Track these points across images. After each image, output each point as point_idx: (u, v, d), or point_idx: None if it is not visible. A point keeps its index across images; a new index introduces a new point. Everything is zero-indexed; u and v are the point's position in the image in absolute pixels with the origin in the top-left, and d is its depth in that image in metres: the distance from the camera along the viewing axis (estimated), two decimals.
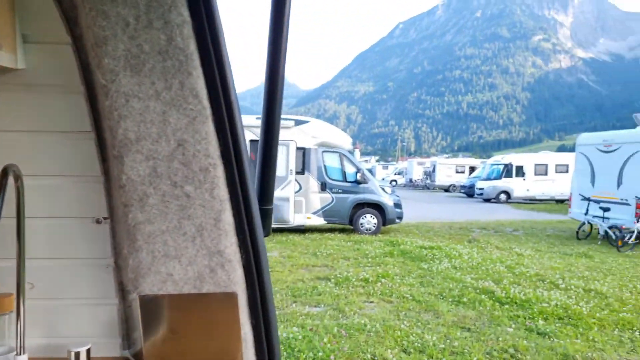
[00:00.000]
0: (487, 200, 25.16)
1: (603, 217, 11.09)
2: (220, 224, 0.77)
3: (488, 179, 25.83)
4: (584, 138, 13.30)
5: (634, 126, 12.18)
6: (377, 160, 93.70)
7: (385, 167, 52.91)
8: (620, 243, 10.07)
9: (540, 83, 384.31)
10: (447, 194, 33.53)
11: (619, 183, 11.38)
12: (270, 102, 0.88)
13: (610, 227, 10.59)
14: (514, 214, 18.55)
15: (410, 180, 42.30)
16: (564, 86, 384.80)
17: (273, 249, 9.01)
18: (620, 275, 7.41)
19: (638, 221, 10.34)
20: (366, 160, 71.88)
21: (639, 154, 10.93)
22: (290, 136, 10.55)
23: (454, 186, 34.66)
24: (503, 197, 24.80)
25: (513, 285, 6.38)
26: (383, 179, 45.71)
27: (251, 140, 10.62)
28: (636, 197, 10.55)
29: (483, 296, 5.83)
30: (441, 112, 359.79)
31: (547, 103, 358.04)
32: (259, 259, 0.81)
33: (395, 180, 44.14)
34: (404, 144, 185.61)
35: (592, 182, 12.30)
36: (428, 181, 38.37)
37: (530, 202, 24.64)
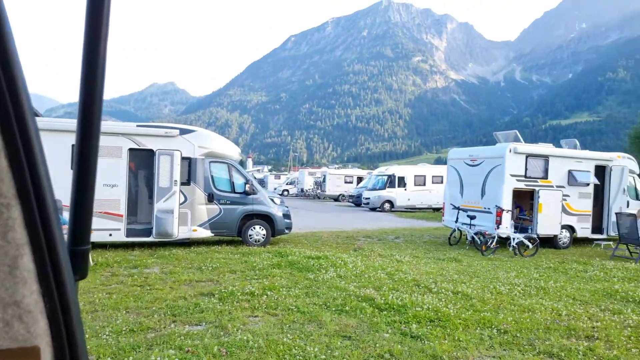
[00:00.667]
0: (373, 209, 26.52)
1: (470, 224, 12.27)
2: (17, 272, 0.66)
3: (374, 189, 27.27)
4: (454, 152, 14.67)
5: (495, 143, 13.74)
6: (270, 170, 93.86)
7: (278, 177, 53.19)
8: (484, 248, 11.22)
9: (420, 100, 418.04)
10: (336, 203, 34.69)
11: (483, 193, 12.70)
12: (87, 116, 0.73)
13: (476, 234, 11.75)
14: (397, 222, 19.77)
15: (302, 190, 43.02)
16: (440, 104, 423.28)
17: (154, 265, 8.47)
18: (483, 277, 8.23)
19: (498, 227, 11.63)
20: (258, 170, 71.61)
21: (498, 167, 12.32)
22: (175, 145, 10.07)
23: (343, 196, 36.01)
24: (387, 206, 26.34)
25: (392, 292, 6.72)
26: (275, 189, 45.87)
27: (130, 149, 9.93)
28: (496, 206, 11.87)
29: (364, 304, 6.05)
30: (332, 124, 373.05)
31: (425, 119, 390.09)
32: (67, 307, 0.69)
33: (287, 190, 44.53)
34: (296, 154, 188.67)
35: (461, 193, 13.58)
36: (319, 191, 39.35)
37: (411, 210, 26.51)
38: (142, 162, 10.57)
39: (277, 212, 11.33)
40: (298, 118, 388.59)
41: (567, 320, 5.67)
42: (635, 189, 14.55)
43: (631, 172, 14.28)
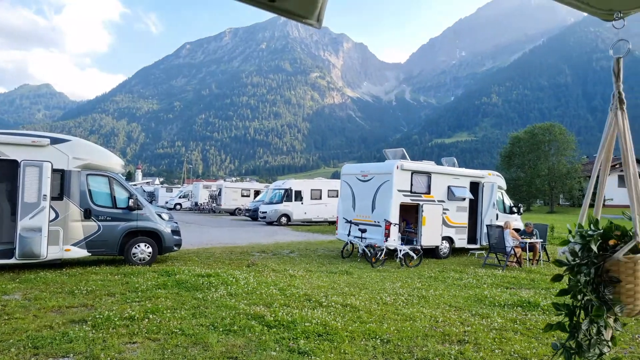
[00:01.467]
0: (270, 223, 26.40)
1: (361, 238, 12.73)
2: None
3: (271, 202, 27.19)
4: (347, 168, 15.20)
5: (385, 159, 14.48)
6: (162, 182, 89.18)
7: (170, 190, 50.68)
8: (374, 260, 11.69)
9: (318, 115, 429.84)
10: (232, 217, 33.97)
11: (373, 208, 13.28)
12: None
13: (366, 246, 12.21)
14: (293, 236, 19.86)
15: (196, 204, 41.47)
16: (337, 119, 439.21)
17: (14, 291, 7.46)
18: (371, 289, 8.53)
19: (387, 240, 12.21)
20: (148, 182, 67.67)
21: (387, 183, 12.98)
22: (45, 156, 9.05)
23: (240, 210, 35.41)
24: (284, 219, 26.40)
25: (283, 308, 6.66)
26: (167, 202, 43.66)
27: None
28: (385, 219, 12.48)
29: (253, 322, 5.90)
30: (229, 136, 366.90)
31: (323, 133, 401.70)
32: None
33: (179, 204, 42.64)
34: (191, 166, 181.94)
35: (353, 207, 14.07)
36: (214, 205, 38.26)
37: (308, 224, 26.87)
38: (3, 174, 9.28)
39: (164, 228, 10.70)
40: (193, 128, 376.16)
41: (442, 326, 6.07)
42: (503, 202, 16.26)
43: (499, 188, 15.93)
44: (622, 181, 65.91)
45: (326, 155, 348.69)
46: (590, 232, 1.88)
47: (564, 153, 55.57)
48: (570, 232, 1.99)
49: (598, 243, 1.86)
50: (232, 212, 36.07)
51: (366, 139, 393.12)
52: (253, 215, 29.45)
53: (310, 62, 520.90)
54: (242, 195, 36.64)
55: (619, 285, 1.82)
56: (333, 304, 7.05)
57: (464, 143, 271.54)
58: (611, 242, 1.88)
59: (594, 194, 2.14)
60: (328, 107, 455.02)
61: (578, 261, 1.88)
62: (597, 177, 2.00)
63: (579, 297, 1.90)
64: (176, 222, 11.46)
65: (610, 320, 1.89)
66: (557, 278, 2.00)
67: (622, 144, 1.89)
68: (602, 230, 1.89)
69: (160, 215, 10.94)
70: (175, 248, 11.02)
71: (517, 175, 57.13)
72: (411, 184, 13.12)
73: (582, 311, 1.91)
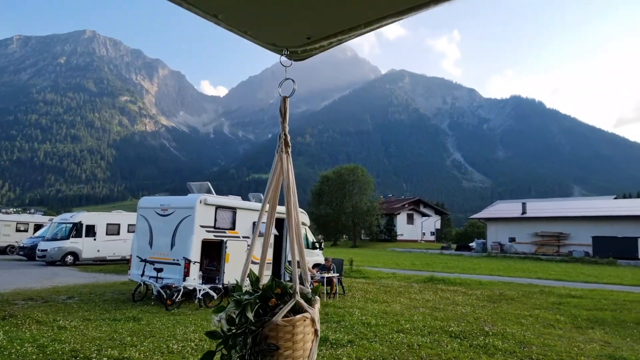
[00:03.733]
0: (52, 263, 22.57)
1: (157, 278, 11.63)
2: None
3: (54, 238, 23.34)
4: (144, 201, 13.96)
5: (188, 193, 13.74)
6: None
7: None
8: (169, 302, 10.72)
9: (127, 142, 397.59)
10: (2, 257, 28.10)
11: (172, 244, 12.33)
12: None
13: (162, 287, 11.17)
14: (78, 278, 17.23)
15: None
16: (149, 148, 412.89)
17: None
18: (159, 336, 7.68)
19: (185, 279, 11.39)
20: None
21: (188, 218, 12.26)
22: None
23: (13, 247, 29.55)
24: (70, 258, 22.89)
25: None
26: None
27: None
28: (184, 257, 11.67)
29: None
30: (10, 159, 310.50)
31: (132, 162, 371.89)
32: None
33: None
34: None
35: (150, 244, 12.87)
36: None
37: (101, 262, 23.80)
38: None
39: None
40: None
41: None
42: (307, 238, 17.00)
43: (303, 224, 16.63)
44: (410, 219, 76.84)
45: (134, 186, 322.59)
46: (246, 297, 1.61)
47: (365, 192, 62.37)
48: (235, 289, 1.71)
49: (256, 307, 1.59)
50: (3, 251, 29.86)
51: (181, 171, 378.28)
52: (30, 253, 24.82)
53: (120, 85, 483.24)
54: (18, 230, 30.73)
55: (277, 353, 1.54)
56: (105, 358, 6.05)
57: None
58: (271, 303, 1.63)
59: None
60: (139, 135, 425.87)
61: (234, 331, 1.59)
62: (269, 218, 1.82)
63: None
64: None
65: None
66: (208, 356, 1.61)
67: (285, 189, 1.76)
68: (260, 292, 1.65)
69: None
70: None
71: (326, 212, 61.55)
72: (215, 220, 12.69)
73: None
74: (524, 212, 45.39)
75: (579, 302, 13.20)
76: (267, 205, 1.80)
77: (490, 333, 8.55)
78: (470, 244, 50.50)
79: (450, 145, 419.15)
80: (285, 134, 1.79)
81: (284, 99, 1.80)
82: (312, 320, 1.65)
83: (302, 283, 1.73)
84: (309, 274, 1.83)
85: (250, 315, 1.55)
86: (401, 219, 68.25)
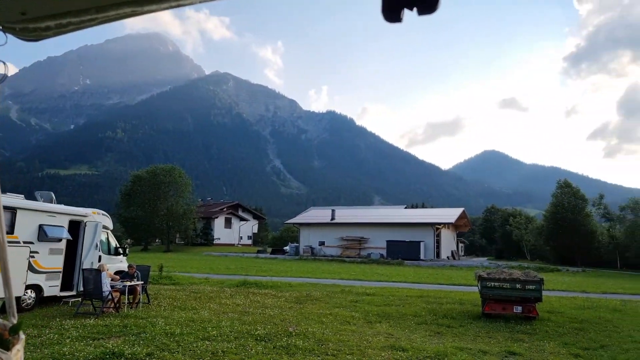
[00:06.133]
0: None
1: None
2: None
3: None
4: None
5: None
6: None
7: None
8: None
9: None
10: None
11: None
12: None
13: None
14: None
15: None
16: None
17: None
18: None
19: None
20: None
21: None
22: None
23: None
24: None
25: None
26: None
27: None
28: None
29: None
30: None
31: None
32: None
33: None
34: None
35: None
36: None
37: None
38: None
39: None
40: None
41: None
42: (109, 243, 15.34)
43: (105, 227, 14.96)
44: (228, 222, 76.11)
45: None
46: None
47: (182, 195, 59.76)
48: None
49: None
50: None
51: None
52: None
53: None
54: None
55: None
56: None
57: (84, 177, 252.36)
58: None
59: None
60: None
61: None
62: None
63: None
64: None
65: None
66: None
67: None
68: None
69: None
70: None
71: (137, 214, 57.08)
72: None
73: None
74: (333, 218, 49.48)
75: (372, 299, 14.82)
76: None
77: (294, 333, 8.91)
78: (285, 248, 52.82)
79: (271, 152, 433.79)
80: None
81: None
82: None
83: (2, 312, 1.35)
84: (14, 300, 1.45)
85: None
86: (219, 223, 67.60)
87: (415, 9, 1.09)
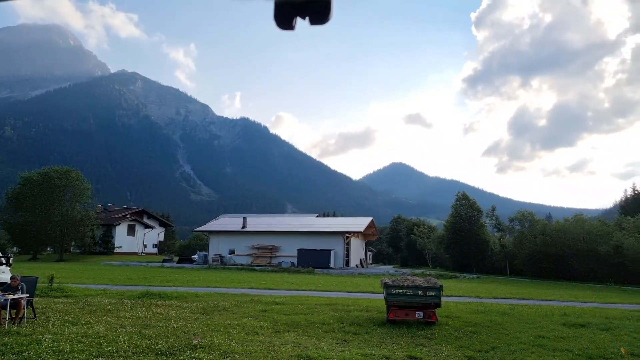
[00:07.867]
0: None
1: None
2: None
3: None
4: None
5: None
6: None
7: None
8: None
9: None
10: None
11: None
12: None
13: None
14: None
15: None
16: None
17: None
18: None
19: None
20: None
21: None
22: None
23: None
24: None
25: None
26: None
27: None
28: None
29: None
30: None
31: None
32: None
33: None
34: None
35: None
36: None
37: None
38: None
39: None
40: None
41: None
42: None
43: None
44: (131, 230, 72.24)
45: None
46: None
47: (80, 200, 55.17)
48: None
49: None
50: None
51: None
52: None
53: None
54: None
55: None
56: None
57: None
58: None
59: None
60: None
61: None
62: None
63: None
64: None
65: None
66: None
67: None
68: None
69: None
70: None
71: (25, 220, 51.61)
72: None
73: None
74: (244, 226, 48.68)
75: (281, 308, 14.71)
76: None
77: (198, 346, 8.52)
78: (193, 256, 50.87)
79: (180, 157, 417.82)
80: None
81: None
82: None
83: None
84: None
85: None
86: (121, 230, 63.36)
87: (307, 19, 1.11)
